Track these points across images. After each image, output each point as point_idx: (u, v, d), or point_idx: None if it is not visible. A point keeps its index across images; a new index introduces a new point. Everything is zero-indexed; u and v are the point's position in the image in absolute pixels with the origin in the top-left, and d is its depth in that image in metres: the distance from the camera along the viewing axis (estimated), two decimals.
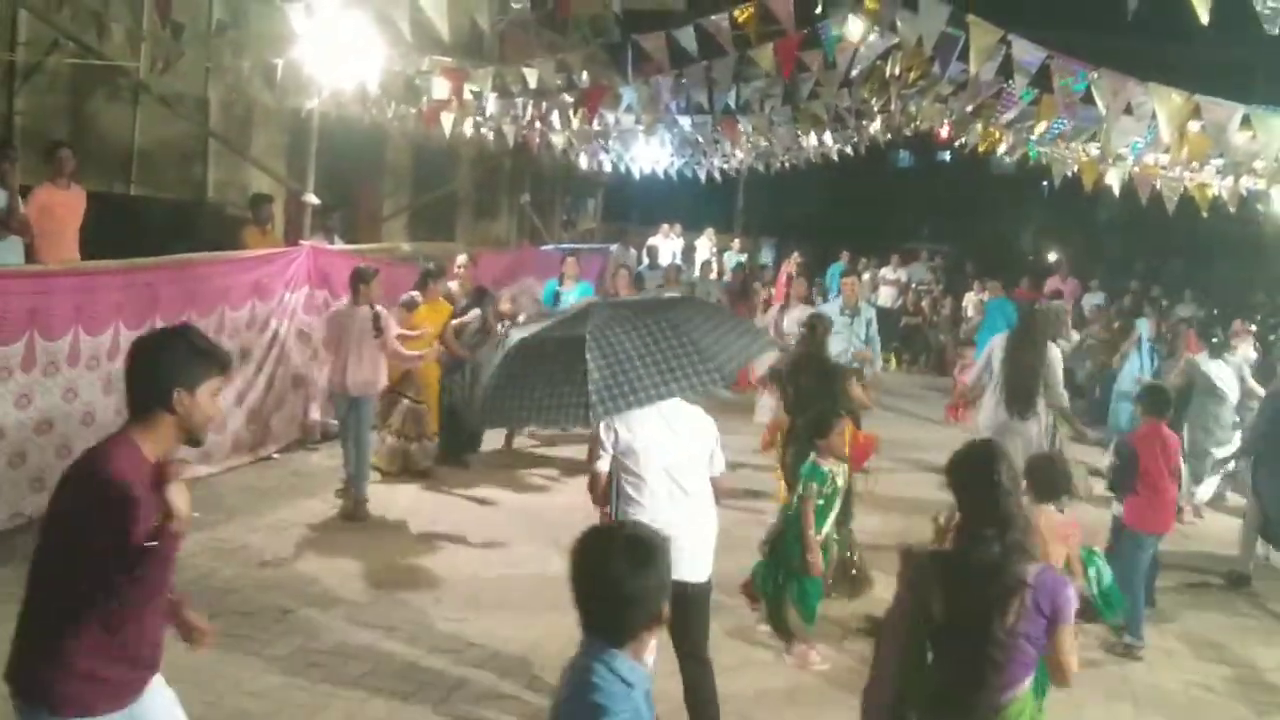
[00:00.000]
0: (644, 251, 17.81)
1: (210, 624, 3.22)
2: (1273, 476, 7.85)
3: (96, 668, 2.81)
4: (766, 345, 5.67)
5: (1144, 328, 12.71)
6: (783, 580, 5.72)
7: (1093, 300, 18.39)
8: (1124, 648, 6.23)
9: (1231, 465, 9.65)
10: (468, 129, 10.98)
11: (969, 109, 9.66)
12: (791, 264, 18.68)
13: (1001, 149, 11.55)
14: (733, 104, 10.49)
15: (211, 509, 7.12)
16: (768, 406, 10.25)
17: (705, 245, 20.28)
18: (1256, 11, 4.51)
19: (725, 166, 16.20)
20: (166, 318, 7.64)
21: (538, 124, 11.77)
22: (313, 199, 9.91)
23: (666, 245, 18.65)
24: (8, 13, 10.42)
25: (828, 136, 13.22)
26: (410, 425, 8.64)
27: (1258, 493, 8.00)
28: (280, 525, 7.24)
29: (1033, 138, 10.30)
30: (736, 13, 7.21)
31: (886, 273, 19.40)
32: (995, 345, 8.00)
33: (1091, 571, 4.93)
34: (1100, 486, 7.23)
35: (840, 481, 5.92)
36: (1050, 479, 4.84)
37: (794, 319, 10.45)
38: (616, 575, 2.41)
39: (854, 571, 6.69)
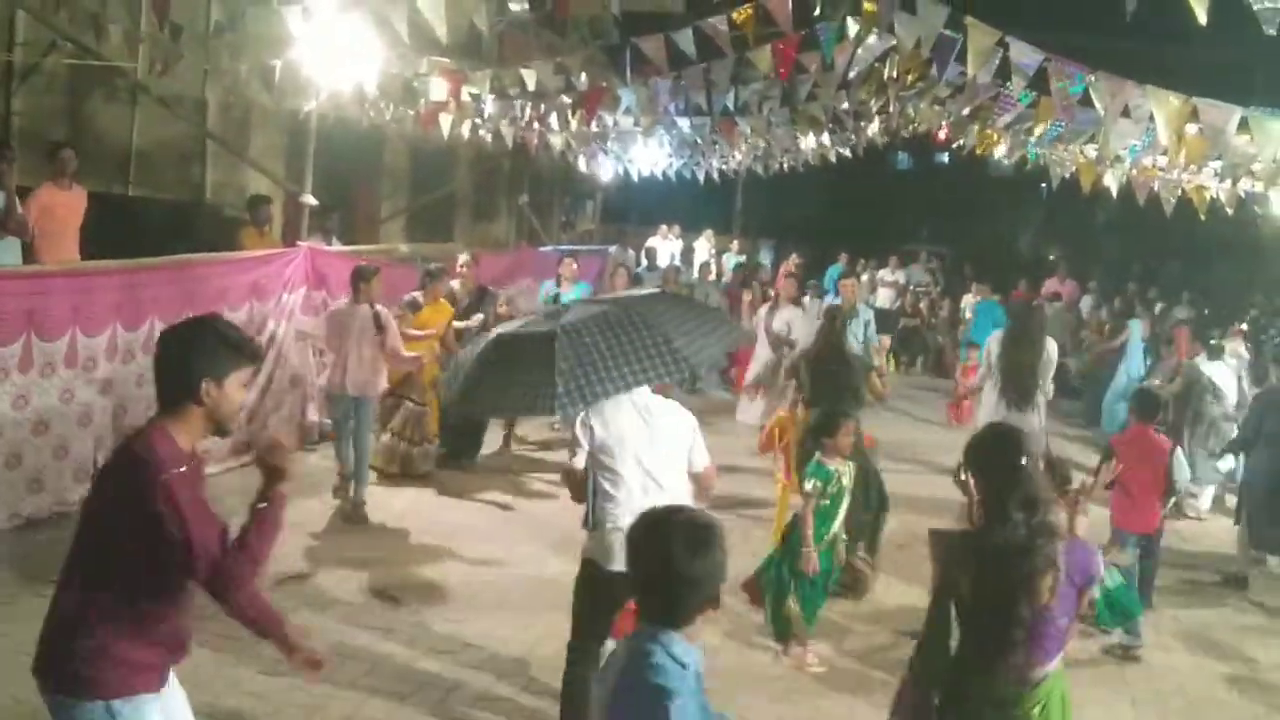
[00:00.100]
0: (642, 253, 17.81)
1: (293, 634, 3.18)
2: (1260, 473, 7.96)
3: (142, 654, 2.85)
4: (740, 338, 5.67)
5: (1138, 329, 12.77)
6: (788, 576, 5.72)
7: (1091, 302, 18.42)
8: (1122, 649, 6.24)
9: (1231, 464, 9.67)
10: (466, 130, 10.97)
11: (967, 111, 9.66)
12: (790, 265, 18.70)
13: (999, 151, 11.56)
14: (731, 105, 10.48)
15: None
16: (758, 409, 10.27)
17: (704, 247, 20.28)
18: (1254, 12, 4.51)
19: (724, 168, 16.19)
20: (164, 319, 7.62)
21: (536, 125, 11.76)
22: (311, 200, 9.90)
23: (665, 247, 18.65)
24: (5, 13, 10.43)
25: (826, 138, 13.22)
26: (412, 428, 8.62)
27: (1247, 486, 8.11)
28: None
29: (1031, 140, 10.30)
30: (735, 15, 7.20)
31: (885, 274, 19.39)
32: (994, 342, 8.09)
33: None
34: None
35: (846, 481, 5.86)
36: (1049, 477, 4.86)
37: (783, 319, 10.46)
38: (676, 559, 2.44)
39: (866, 571, 6.69)
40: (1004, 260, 25.44)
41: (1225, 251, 23.77)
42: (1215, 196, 9.56)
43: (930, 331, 18.67)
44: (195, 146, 11.58)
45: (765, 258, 24.45)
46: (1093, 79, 6.14)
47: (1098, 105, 6.21)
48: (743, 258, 21.01)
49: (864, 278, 18.41)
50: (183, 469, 2.78)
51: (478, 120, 11.08)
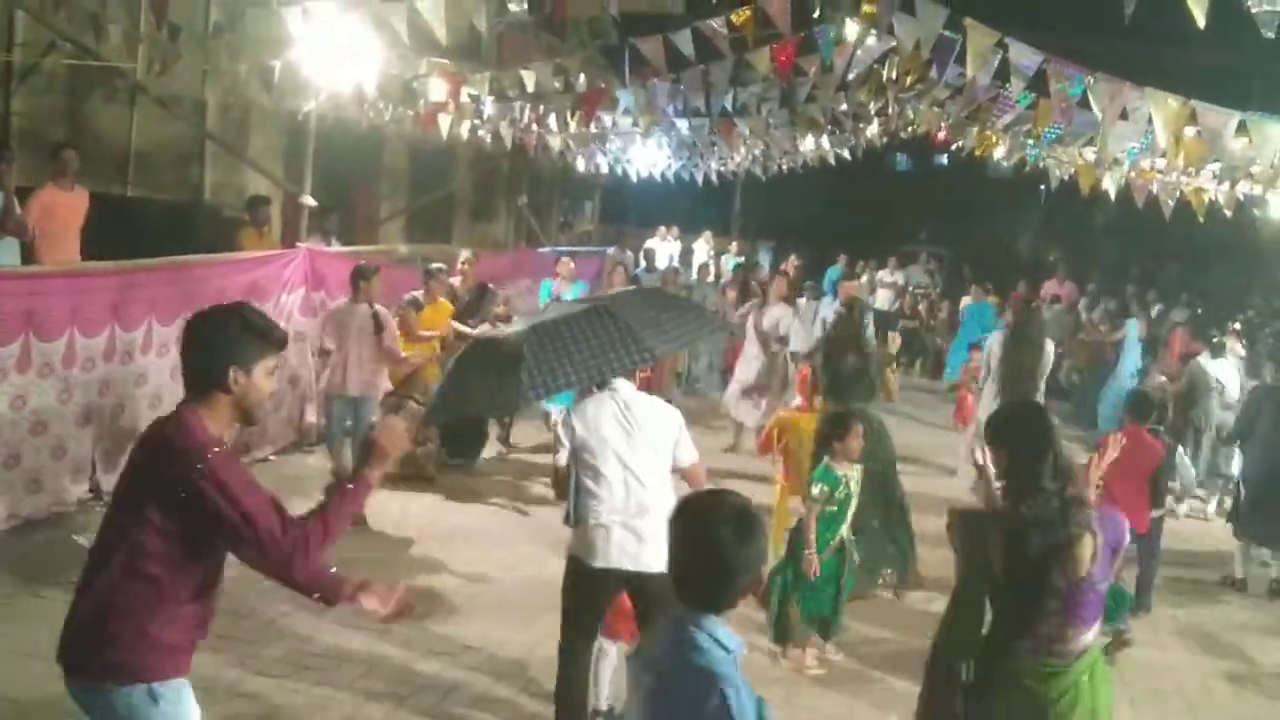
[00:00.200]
0: (641, 254, 17.80)
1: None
2: (1252, 469, 8.05)
3: (177, 636, 2.85)
4: (717, 329, 5.68)
5: (1134, 328, 12.82)
6: (791, 578, 5.71)
7: (1102, 304, 18.39)
8: (1116, 633, 6.24)
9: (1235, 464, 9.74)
10: (465, 131, 10.97)
11: (966, 113, 9.67)
12: (789, 266, 18.70)
13: (998, 153, 11.56)
14: (730, 107, 10.49)
15: None
16: (758, 410, 10.29)
17: (703, 248, 20.29)
18: (1253, 16, 4.52)
19: (722, 169, 16.20)
20: (162, 319, 7.64)
21: (535, 127, 11.76)
22: (310, 201, 9.90)
23: (664, 248, 18.65)
24: (4, 13, 10.43)
25: (825, 140, 13.23)
26: (416, 428, 8.60)
27: (1240, 481, 8.19)
28: None
29: (1029, 141, 10.31)
30: (733, 16, 7.21)
31: (884, 276, 19.39)
32: (994, 342, 8.12)
33: None
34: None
35: (854, 486, 5.81)
36: None
37: (773, 317, 10.50)
38: (723, 544, 2.43)
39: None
40: (1003, 262, 25.43)
41: (1223, 254, 23.78)
42: (1214, 199, 9.57)
43: (929, 333, 18.66)
44: (194, 147, 11.57)
45: (764, 259, 24.46)
46: (1091, 81, 6.14)
47: (1096, 107, 6.21)
48: (741, 259, 21.01)
49: (863, 279, 18.41)
50: (222, 448, 2.79)
51: (477, 121, 11.09)
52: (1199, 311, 17.62)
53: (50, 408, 6.80)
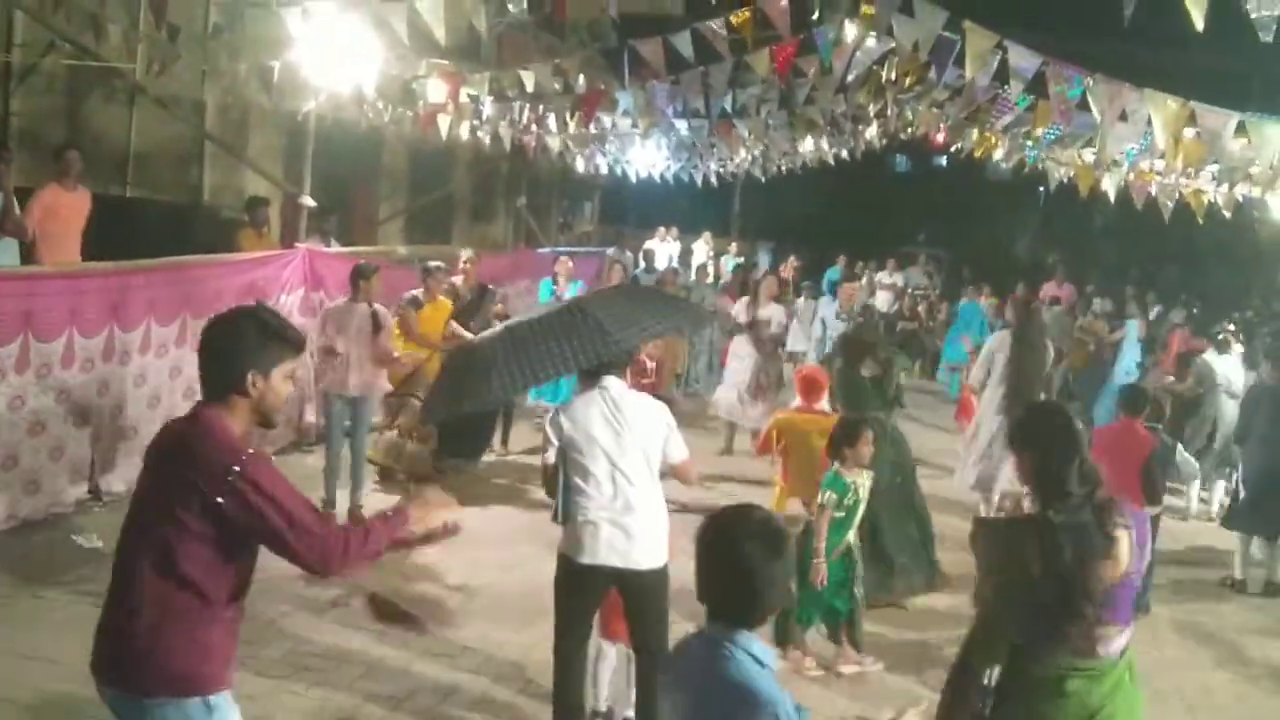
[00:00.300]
0: (640, 255, 17.81)
1: None
2: (1250, 470, 8.11)
3: (225, 644, 2.84)
4: (696, 320, 5.70)
5: (1134, 328, 12.86)
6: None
7: (1095, 305, 18.41)
8: None
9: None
10: (464, 132, 10.97)
11: (965, 114, 9.67)
12: (788, 268, 18.71)
13: (997, 154, 11.57)
14: (729, 108, 10.50)
15: None
16: (754, 411, 10.29)
17: (702, 249, 20.30)
18: (1251, 19, 4.52)
19: (722, 170, 16.20)
20: (161, 320, 7.64)
21: (534, 128, 11.76)
22: (309, 201, 9.89)
23: (663, 249, 18.66)
24: (3, 14, 10.43)
25: (824, 141, 13.24)
26: (418, 426, 8.58)
27: (1242, 478, 8.24)
28: None
29: (1028, 143, 10.31)
30: (733, 18, 7.21)
31: (883, 277, 19.40)
32: (999, 344, 8.12)
33: None
34: None
35: (863, 492, 5.77)
36: None
37: (764, 316, 10.54)
38: (756, 559, 2.43)
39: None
40: (1002, 263, 25.46)
41: (1222, 255, 23.81)
42: (1212, 201, 9.57)
43: (928, 335, 18.67)
44: (193, 148, 11.58)
45: (763, 260, 24.49)
46: (1090, 83, 6.14)
47: (1095, 109, 6.21)
48: (741, 259, 21.04)
49: (862, 280, 18.44)
50: (254, 450, 2.77)
51: (476, 122, 11.08)
52: (1194, 312, 17.67)
53: (49, 408, 6.79)
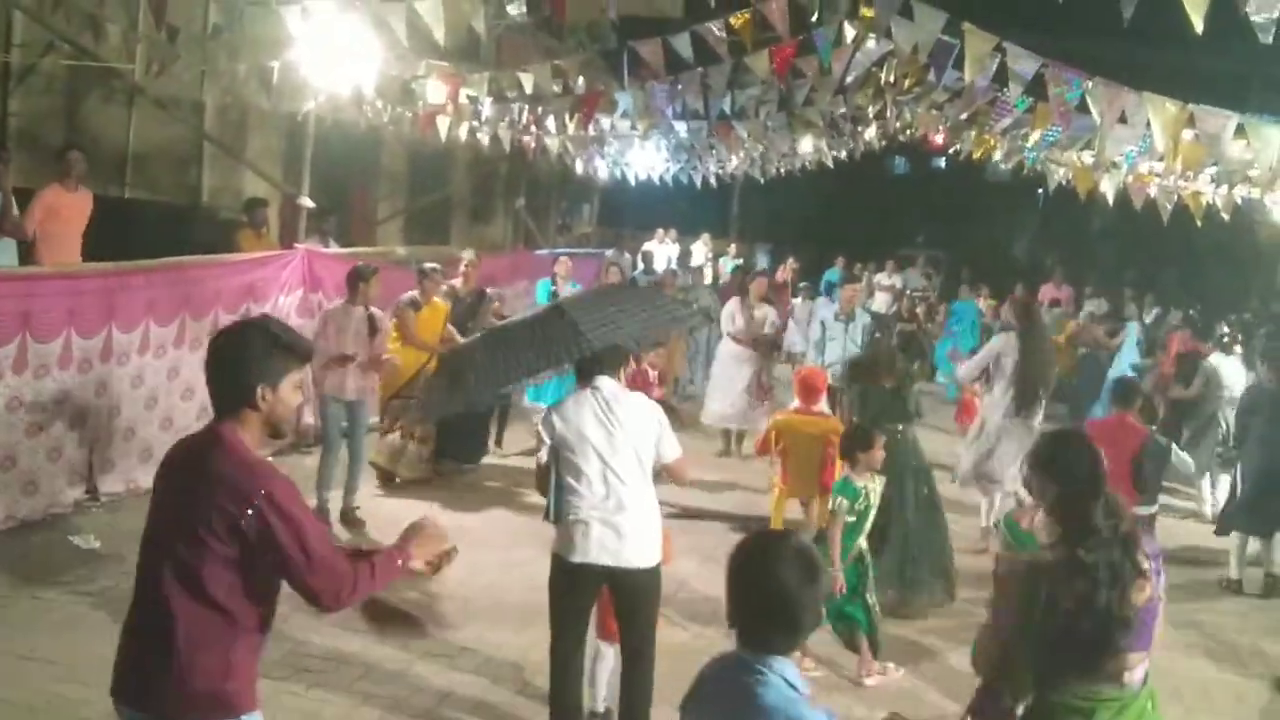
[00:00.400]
0: (639, 256, 17.80)
1: None
2: (1250, 464, 8.15)
3: (254, 664, 2.84)
4: (679, 320, 5.71)
5: (1134, 330, 12.90)
6: None
7: (1087, 307, 18.41)
8: None
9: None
10: (463, 133, 10.96)
11: (964, 116, 9.67)
12: (787, 269, 18.71)
13: (996, 156, 11.57)
14: (728, 110, 10.49)
15: None
16: (753, 412, 10.31)
17: (701, 250, 20.29)
18: (1250, 21, 4.52)
19: (721, 172, 16.19)
20: (160, 321, 7.64)
21: (533, 129, 11.76)
22: (308, 202, 9.89)
23: (662, 250, 18.64)
24: (2, 14, 10.42)
25: (823, 143, 13.24)
26: (419, 428, 8.57)
27: (1240, 479, 8.28)
28: None
29: (1027, 145, 10.31)
30: (732, 19, 7.21)
31: (881, 279, 19.39)
32: (1005, 347, 8.13)
33: None
34: None
35: (874, 497, 5.76)
36: None
37: (759, 316, 10.54)
38: (790, 584, 2.42)
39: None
40: (1000, 265, 25.44)
41: (1221, 257, 23.82)
42: (1211, 202, 9.58)
43: (927, 336, 18.66)
44: (192, 148, 11.57)
45: (762, 261, 24.49)
46: (1090, 85, 6.14)
47: (1094, 111, 6.21)
48: (740, 261, 21.03)
49: (861, 282, 18.44)
50: (281, 476, 2.75)
51: (475, 123, 11.08)
52: (1190, 313, 17.66)
53: (47, 409, 6.79)
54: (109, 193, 10.91)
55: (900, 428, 6.98)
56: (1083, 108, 6.38)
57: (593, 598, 4.58)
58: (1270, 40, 4.53)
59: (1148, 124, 6.03)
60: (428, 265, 8.94)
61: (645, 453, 4.48)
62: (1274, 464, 7.92)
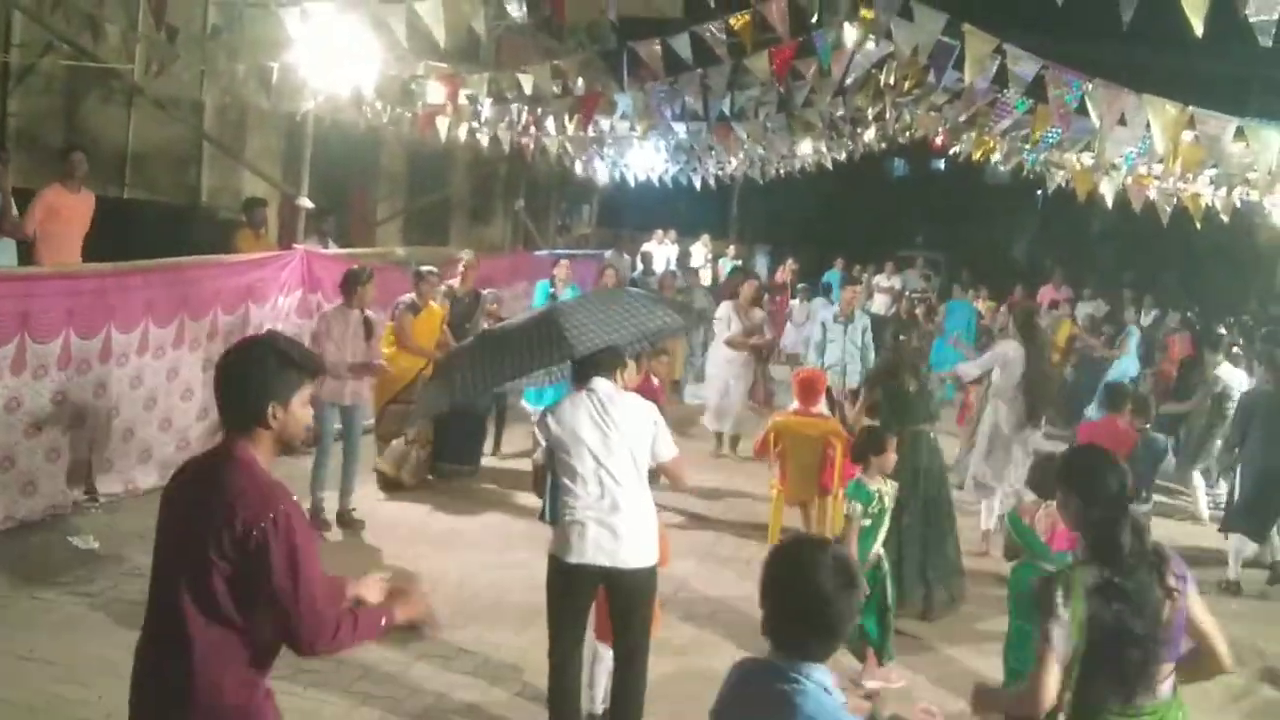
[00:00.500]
0: (638, 258, 17.81)
1: None
2: (1248, 466, 8.20)
3: (268, 683, 2.85)
4: (669, 327, 5.71)
5: (1135, 335, 12.90)
6: None
7: (1085, 309, 18.42)
8: None
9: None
10: (463, 134, 10.96)
11: (963, 118, 9.67)
12: (786, 270, 18.72)
13: (996, 158, 11.58)
14: (727, 111, 10.49)
15: None
16: (752, 414, 10.32)
17: (700, 252, 20.30)
18: (1250, 24, 4.52)
19: (720, 173, 16.19)
20: (159, 321, 7.64)
21: (533, 129, 11.76)
22: (307, 203, 9.88)
23: (661, 252, 18.66)
24: (1, 14, 10.41)
25: (822, 144, 13.24)
26: (423, 431, 8.56)
27: (1239, 482, 8.33)
28: None
29: (1027, 146, 10.32)
30: (732, 20, 7.21)
31: (880, 280, 19.39)
32: (1012, 354, 8.13)
33: None
34: None
35: (888, 500, 5.68)
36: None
37: (755, 318, 10.56)
38: (828, 593, 2.40)
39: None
40: (999, 267, 25.47)
41: (1220, 260, 23.85)
42: (1211, 205, 9.58)
43: (926, 338, 18.65)
44: (192, 149, 11.57)
45: (761, 262, 24.50)
46: (1089, 87, 6.14)
47: (1093, 114, 6.21)
48: (739, 262, 21.04)
49: (860, 283, 18.43)
50: (296, 505, 2.71)
51: (474, 124, 11.07)
52: (1189, 315, 17.69)
53: (45, 410, 6.78)
54: (108, 193, 10.91)
55: (926, 429, 6.98)
56: (1082, 109, 6.37)
57: (590, 598, 4.59)
58: (1270, 43, 4.53)
59: (1147, 126, 6.02)
60: (424, 268, 8.89)
61: (641, 453, 4.49)
62: (1272, 465, 7.94)
